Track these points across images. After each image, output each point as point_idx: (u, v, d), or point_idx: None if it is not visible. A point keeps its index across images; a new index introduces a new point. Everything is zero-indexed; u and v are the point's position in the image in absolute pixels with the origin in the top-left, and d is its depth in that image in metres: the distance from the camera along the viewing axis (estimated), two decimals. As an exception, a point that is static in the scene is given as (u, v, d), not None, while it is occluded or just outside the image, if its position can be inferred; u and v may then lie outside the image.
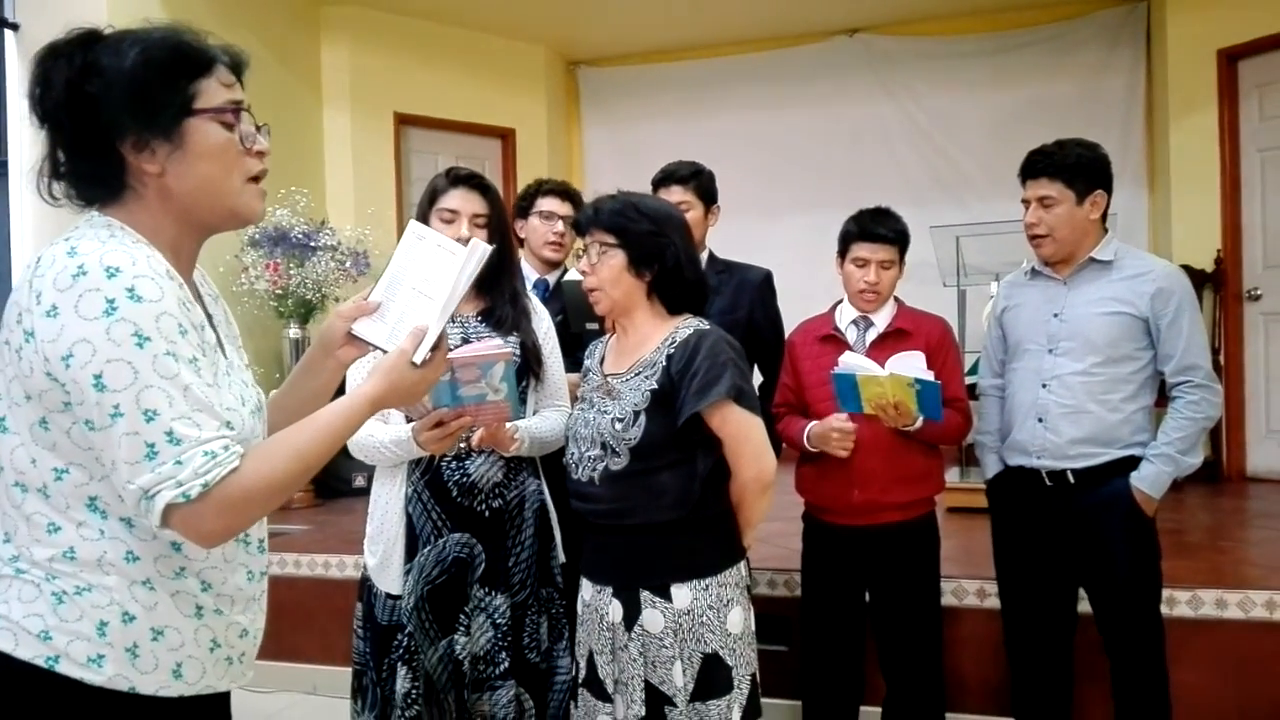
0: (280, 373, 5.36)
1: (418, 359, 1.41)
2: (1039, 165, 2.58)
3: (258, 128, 1.34)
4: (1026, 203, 2.62)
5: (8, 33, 4.54)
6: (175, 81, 1.25)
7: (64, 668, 1.20)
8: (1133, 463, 2.52)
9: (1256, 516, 4.55)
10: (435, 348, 1.44)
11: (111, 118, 1.22)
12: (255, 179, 1.34)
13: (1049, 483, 2.59)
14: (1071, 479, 2.56)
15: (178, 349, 1.18)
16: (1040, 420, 2.59)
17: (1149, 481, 2.49)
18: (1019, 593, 2.71)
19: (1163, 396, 2.60)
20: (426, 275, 1.49)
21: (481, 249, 1.48)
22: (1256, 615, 2.99)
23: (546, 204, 3.15)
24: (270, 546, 4.58)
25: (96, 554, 1.22)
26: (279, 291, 5.12)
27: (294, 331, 5.24)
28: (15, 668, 1.19)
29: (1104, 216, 2.61)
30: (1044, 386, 2.59)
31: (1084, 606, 2.70)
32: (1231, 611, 3.01)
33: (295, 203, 5.25)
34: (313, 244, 5.21)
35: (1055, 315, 2.60)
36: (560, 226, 3.14)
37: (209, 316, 1.38)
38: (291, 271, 5.13)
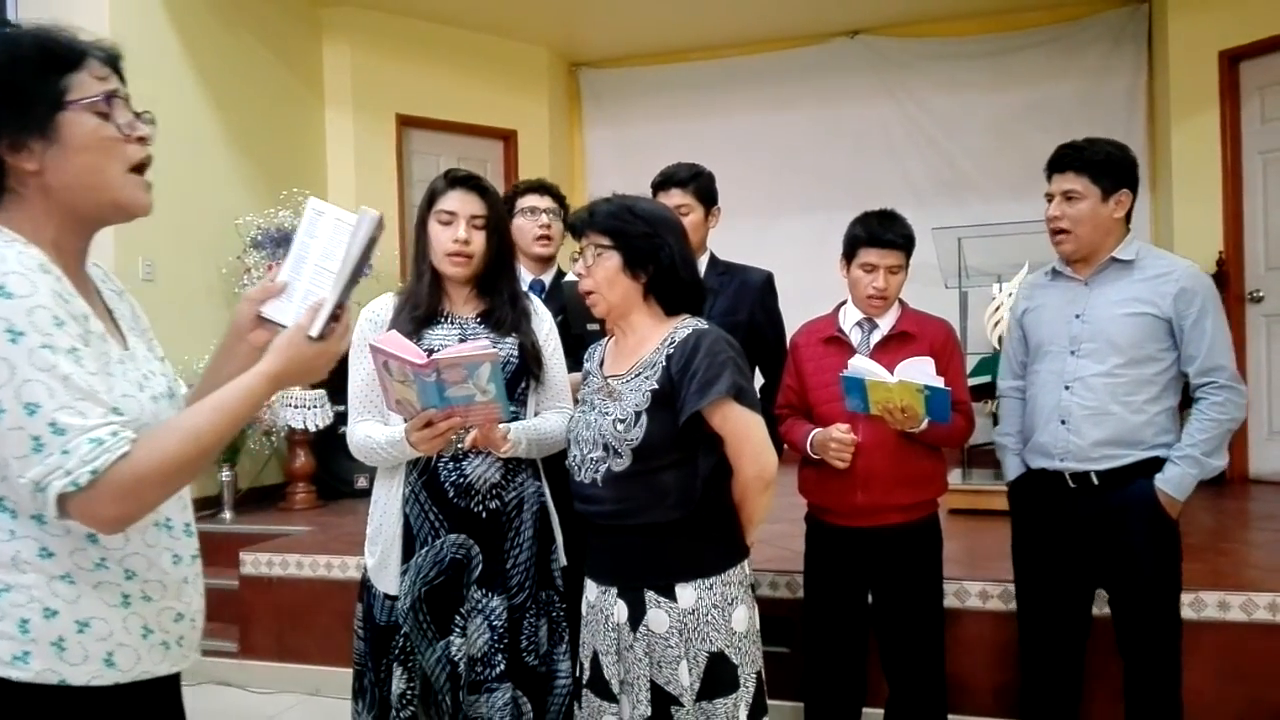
0: (282, 374, 5.36)
1: (314, 332, 1.39)
2: (1067, 159, 2.56)
3: (138, 115, 1.34)
4: (1050, 197, 2.59)
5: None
6: (45, 77, 1.26)
7: None
8: (1157, 464, 2.49)
9: (1259, 519, 4.55)
10: (336, 319, 1.41)
11: None
12: (139, 169, 1.34)
13: (1072, 484, 2.57)
14: (1095, 480, 2.53)
15: (54, 340, 1.19)
16: (1063, 422, 2.56)
17: (1173, 484, 2.47)
18: (1037, 595, 2.69)
19: (1186, 398, 2.57)
20: (328, 250, 1.46)
21: (370, 216, 1.44)
22: (1259, 617, 2.99)
23: (528, 201, 3.18)
24: (273, 548, 4.57)
25: (10, 554, 1.23)
26: (281, 293, 5.12)
27: (296, 333, 5.23)
28: None
29: (1128, 217, 2.58)
30: (1066, 388, 2.56)
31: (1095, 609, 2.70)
32: (1234, 614, 3.01)
33: (297, 204, 5.25)
34: (315, 245, 5.21)
35: (1077, 316, 2.58)
36: (545, 219, 3.16)
37: (110, 311, 1.40)
38: (293, 273, 5.13)
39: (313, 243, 1.47)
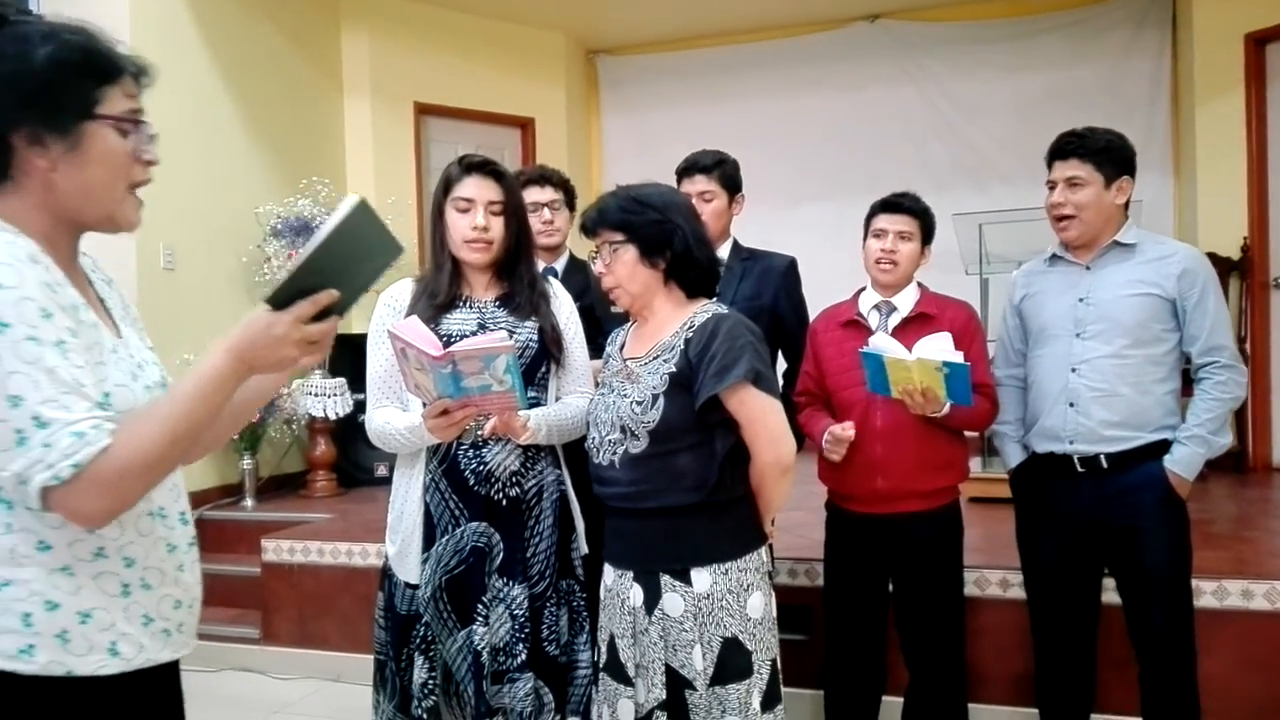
0: (302, 362, 5.38)
1: (266, 294, 1.33)
2: (1070, 147, 2.59)
3: (149, 138, 1.36)
4: (1052, 185, 2.63)
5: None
6: (82, 83, 1.27)
7: None
8: (1164, 446, 2.52)
9: (1283, 506, 4.51)
10: (305, 295, 1.32)
11: (10, 106, 1.23)
12: (135, 185, 1.35)
13: (1080, 468, 2.58)
14: (1105, 463, 2.55)
15: (40, 333, 1.19)
16: (1071, 405, 2.57)
17: (1183, 464, 2.49)
18: (1046, 580, 2.69)
19: (1186, 382, 2.60)
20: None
21: (349, 199, 1.35)
22: (1283, 606, 2.96)
23: (528, 195, 3.09)
24: (294, 535, 4.60)
25: (7, 548, 1.23)
26: (301, 281, 5.14)
27: (316, 321, 5.25)
28: None
29: (1126, 205, 2.62)
30: (1073, 371, 2.57)
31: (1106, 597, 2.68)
32: (1258, 602, 2.99)
33: (316, 193, 5.27)
34: (334, 234, 5.22)
35: (1081, 300, 2.60)
36: (547, 214, 3.15)
37: (102, 301, 1.40)
38: (313, 261, 5.14)
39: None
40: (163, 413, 1.25)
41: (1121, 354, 2.53)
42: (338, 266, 1.35)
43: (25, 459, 1.16)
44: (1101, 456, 2.55)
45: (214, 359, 1.29)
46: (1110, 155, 2.56)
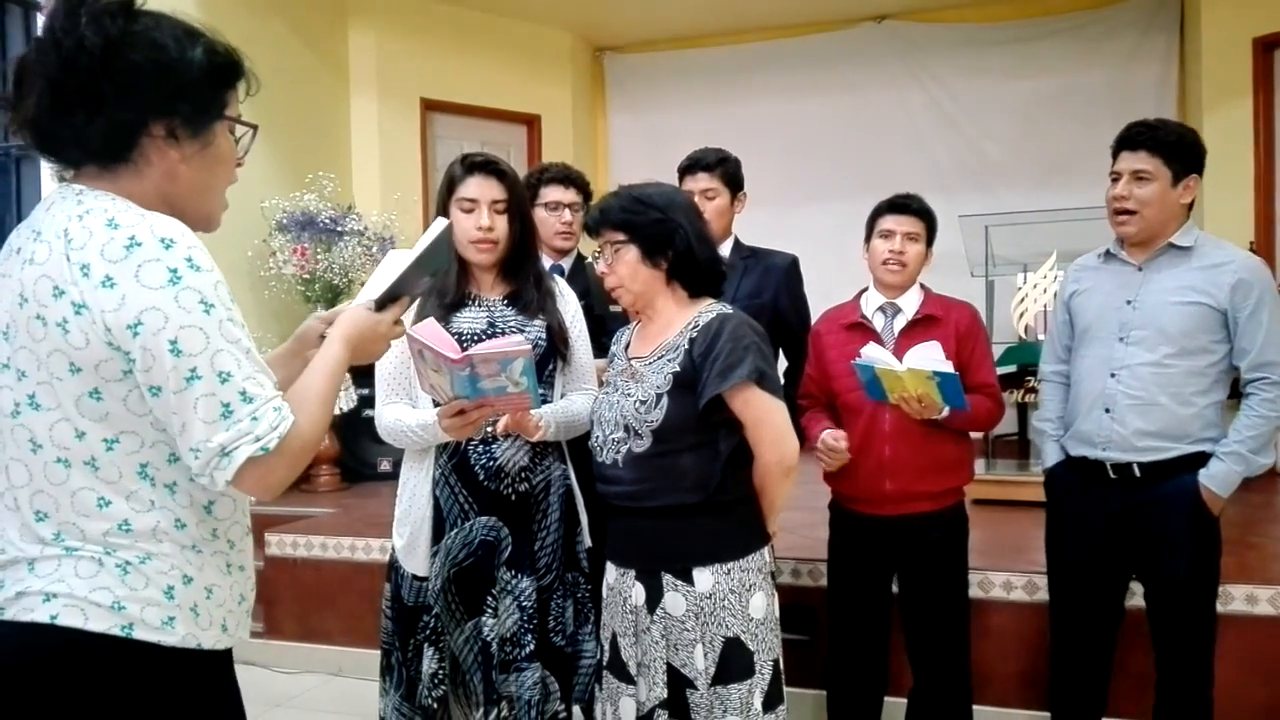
0: (306, 357, 5.39)
1: (368, 298, 1.52)
2: (1140, 138, 2.46)
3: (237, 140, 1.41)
4: (1115, 177, 2.51)
5: (36, 16, 4.57)
6: (220, 85, 1.33)
7: (140, 634, 1.24)
8: (1201, 459, 2.43)
9: (1287, 512, 4.50)
10: (395, 300, 1.54)
11: (161, 96, 1.26)
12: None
13: (1113, 475, 2.51)
14: (1137, 472, 2.48)
15: (234, 315, 1.25)
16: (1107, 411, 2.49)
17: (1218, 480, 2.40)
18: (1071, 584, 2.64)
19: (1234, 392, 2.51)
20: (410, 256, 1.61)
21: (440, 221, 1.66)
22: (1287, 611, 2.95)
23: (551, 194, 3.11)
24: (298, 529, 4.60)
25: (151, 524, 1.27)
26: (306, 276, 5.15)
27: (321, 316, 5.26)
28: (89, 641, 1.23)
29: (1191, 205, 2.52)
30: (1112, 376, 2.49)
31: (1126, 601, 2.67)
32: (1262, 608, 2.98)
33: (322, 187, 5.27)
34: (340, 229, 5.23)
35: (1128, 302, 2.50)
36: (568, 215, 3.10)
37: None
38: (319, 256, 5.15)
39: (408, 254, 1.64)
40: (318, 393, 1.35)
41: (1163, 363, 2.43)
42: (415, 277, 1.59)
43: (232, 432, 1.21)
44: (1135, 465, 2.47)
45: (335, 349, 1.43)
46: (1181, 150, 2.44)
